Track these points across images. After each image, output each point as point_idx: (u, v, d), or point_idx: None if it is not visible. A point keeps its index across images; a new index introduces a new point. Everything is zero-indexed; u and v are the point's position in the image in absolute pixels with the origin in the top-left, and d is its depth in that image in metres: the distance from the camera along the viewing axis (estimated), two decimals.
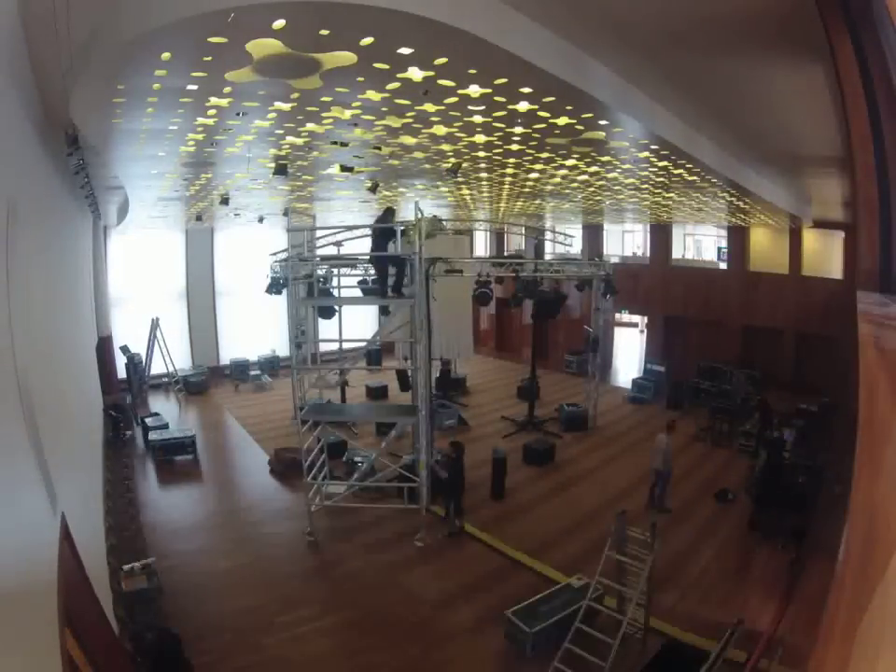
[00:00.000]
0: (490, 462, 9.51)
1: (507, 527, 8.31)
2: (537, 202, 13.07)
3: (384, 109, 5.05)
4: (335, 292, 11.80)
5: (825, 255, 14.23)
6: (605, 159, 7.27)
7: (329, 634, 6.07)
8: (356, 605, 6.57)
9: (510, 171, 8.32)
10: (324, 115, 5.23)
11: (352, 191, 11.12)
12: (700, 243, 17.92)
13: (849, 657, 1.06)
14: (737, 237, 15.82)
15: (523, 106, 4.89)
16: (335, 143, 6.35)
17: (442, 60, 3.79)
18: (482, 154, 7.08)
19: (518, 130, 5.72)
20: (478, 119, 5.31)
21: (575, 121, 5.36)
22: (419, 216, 7.69)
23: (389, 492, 9.22)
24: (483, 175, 8.65)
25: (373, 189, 9.68)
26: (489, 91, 4.47)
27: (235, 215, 13.92)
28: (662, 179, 8.63)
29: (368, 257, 9.44)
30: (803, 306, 13.88)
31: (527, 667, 5.60)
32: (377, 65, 3.89)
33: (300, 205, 13.56)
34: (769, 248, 15.31)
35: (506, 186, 9.85)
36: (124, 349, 15.38)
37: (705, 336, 15.83)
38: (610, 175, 8.51)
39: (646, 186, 9.42)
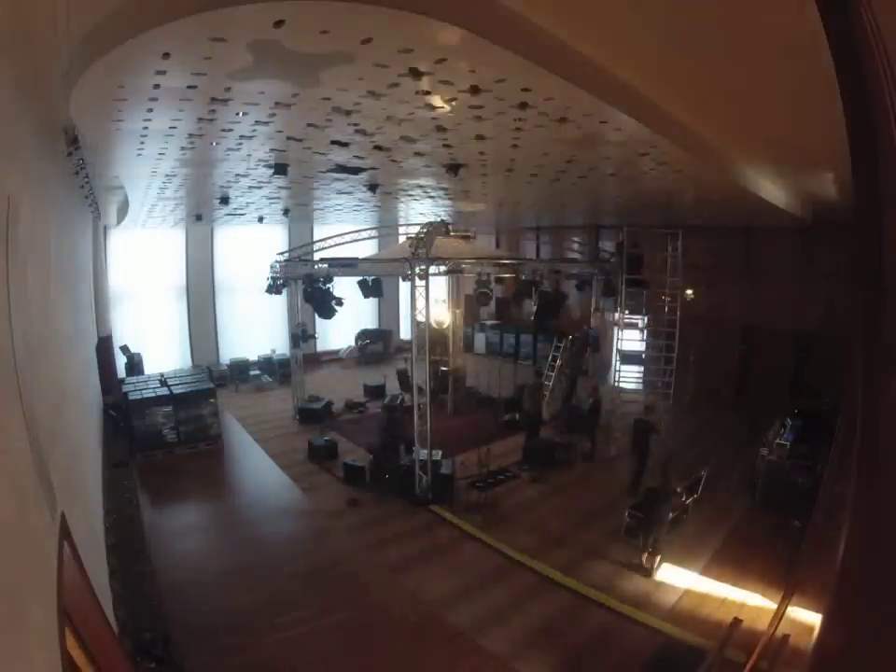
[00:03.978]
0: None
1: (507, 527, 8.31)
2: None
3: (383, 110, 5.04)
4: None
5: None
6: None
7: (329, 634, 6.07)
8: (356, 605, 6.57)
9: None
10: (323, 114, 5.23)
11: (352, 192, 11.11)
12: None
13: (850, 657, 1.07)
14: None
15: None
16: (335, 142, 6.35)
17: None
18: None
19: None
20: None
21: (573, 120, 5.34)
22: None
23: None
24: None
25: (373, 189, 9.69)
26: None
27: (235, 215, 13.95)
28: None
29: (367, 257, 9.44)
30: (802, 306, 13.87)
31: (526, 666, 5.61)
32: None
33: (300, 205, 13.58)
34: None
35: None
36: (124, 349, 15.40)
37: (705, 336, 15.80)
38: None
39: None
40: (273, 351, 18.17)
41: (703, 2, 3.43)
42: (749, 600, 6.59)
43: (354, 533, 8.30)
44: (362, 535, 8.20)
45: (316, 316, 13.20)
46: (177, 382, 12.53)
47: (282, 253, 14.19)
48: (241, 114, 5.11)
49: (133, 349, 15.64)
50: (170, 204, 12.06)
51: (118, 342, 15.18)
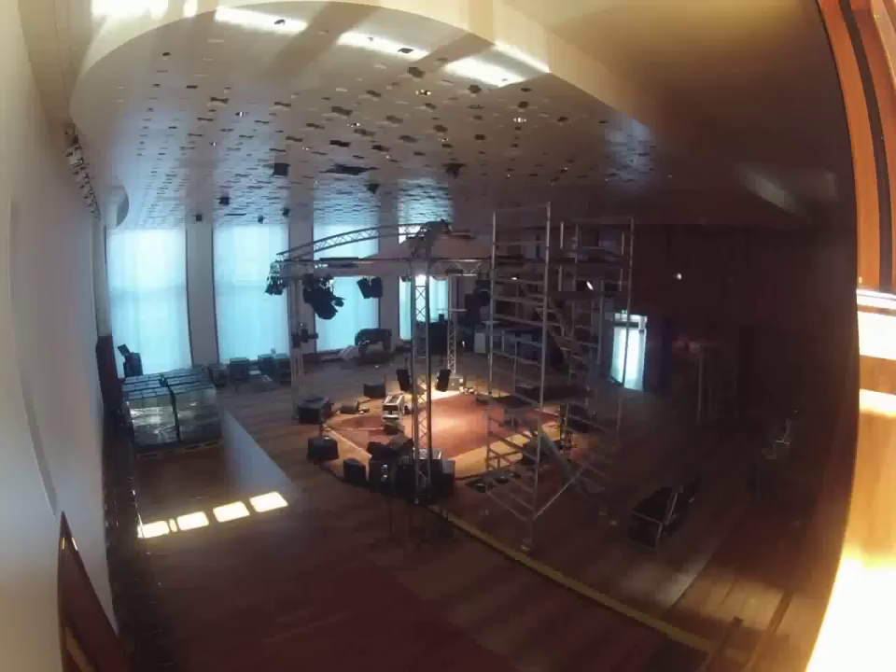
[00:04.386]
0: None
1: (506, 527, 8.31)
2: None
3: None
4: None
5: None
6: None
7: (329, 634, 6.07)
8: (356, 605, 6.57)
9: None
10: (323, 114, 5.23)
11: (352, 192, 11.11)
12: None
13: (851, 657, 1.07)
14: None
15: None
16: (335, 142, 6.35)
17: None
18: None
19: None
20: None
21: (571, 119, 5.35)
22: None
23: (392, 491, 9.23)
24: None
25: (373, 189, 9.69)
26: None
27: (235, 214, 13.95)
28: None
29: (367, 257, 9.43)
30: (802, 306, 13.88)
31: (526, 666, 5.61)
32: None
33: (300, 205, 13.57)
34: None
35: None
36: (122, 349, 15.39)
37: (706, 336, 15.81)
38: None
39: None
40: (273, 351, 18.17)
41: (702, 1, 3.44)
42: (749, 600, 6.59)
43: (354, 533, 8.30)
44: (362, 535, 8.20)
45: (316, 316, 13.21)
46: (177, 382, 12.52)
47: (282, 253, 14.19)
48: (241, 114, 5.11)
49: (132, 349, 15.64)
50: (170, 204, 12.06)
51: (117, 342, 15.17)
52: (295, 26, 3.24)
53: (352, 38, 3.42)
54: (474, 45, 3.51)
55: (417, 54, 3.68)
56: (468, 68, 3.95)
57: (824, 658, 1.29)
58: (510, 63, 3.80)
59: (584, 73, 4.28)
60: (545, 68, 3.90)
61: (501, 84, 4.25)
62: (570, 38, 4.01)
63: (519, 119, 5.34)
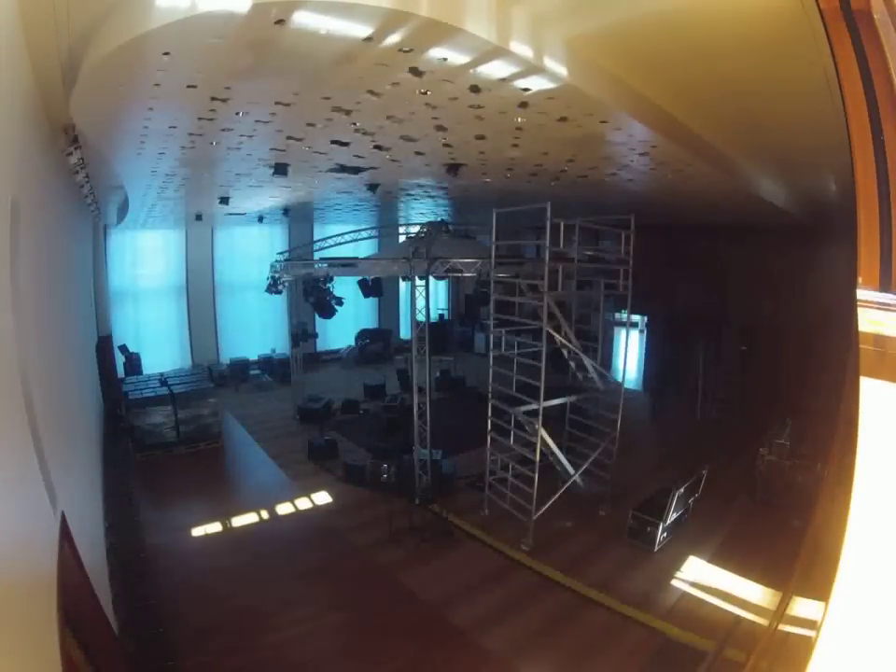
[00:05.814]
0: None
1: (506, 527, 8.31)
2: None
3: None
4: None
5: None
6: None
7: (329, 634, 6.07)
8: (356, 605, 6.57)
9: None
10: (323, 113, 5.23)
11: (352, 192, 11.11)
12: None
13: (851, 656, 1.07)
14: None
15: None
16: (335, 142, 6.34)
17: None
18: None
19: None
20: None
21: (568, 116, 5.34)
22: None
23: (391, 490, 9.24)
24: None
25: (373, 189, 9.69)
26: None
27: (235, 214, 13.94)
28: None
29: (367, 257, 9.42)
30: (801, 305, 13.87)
31: (526, 665, 5.61)
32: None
33: (300, 205, 13.56)
34: None
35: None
36: (122, 349, 15.39)
37: (705, 336, 15.79)
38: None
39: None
40: (273, 351, 18.17)
41: (703, 3, 3.44)
42: (749, 600, 6.59)
43: (354, 533, 8.30)
44: (362, 535, 8.20)
45: (316, 316, 13.21)
46: (177, 381, 12.53)
47: (282, 253, 14.19)
48: (241, 113, 5.11)
49: (132, 349, 15.64)
50: (170, 204, 12.06)
51: (117, 341, 15.18)
52: (295, 25, 3.24)
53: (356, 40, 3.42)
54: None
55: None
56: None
57: (824, 658, 1.29)
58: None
59: (590, 76, 4.29)
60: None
61: (502, 84, 4.25)
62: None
63: (519, 119, 5.34)
